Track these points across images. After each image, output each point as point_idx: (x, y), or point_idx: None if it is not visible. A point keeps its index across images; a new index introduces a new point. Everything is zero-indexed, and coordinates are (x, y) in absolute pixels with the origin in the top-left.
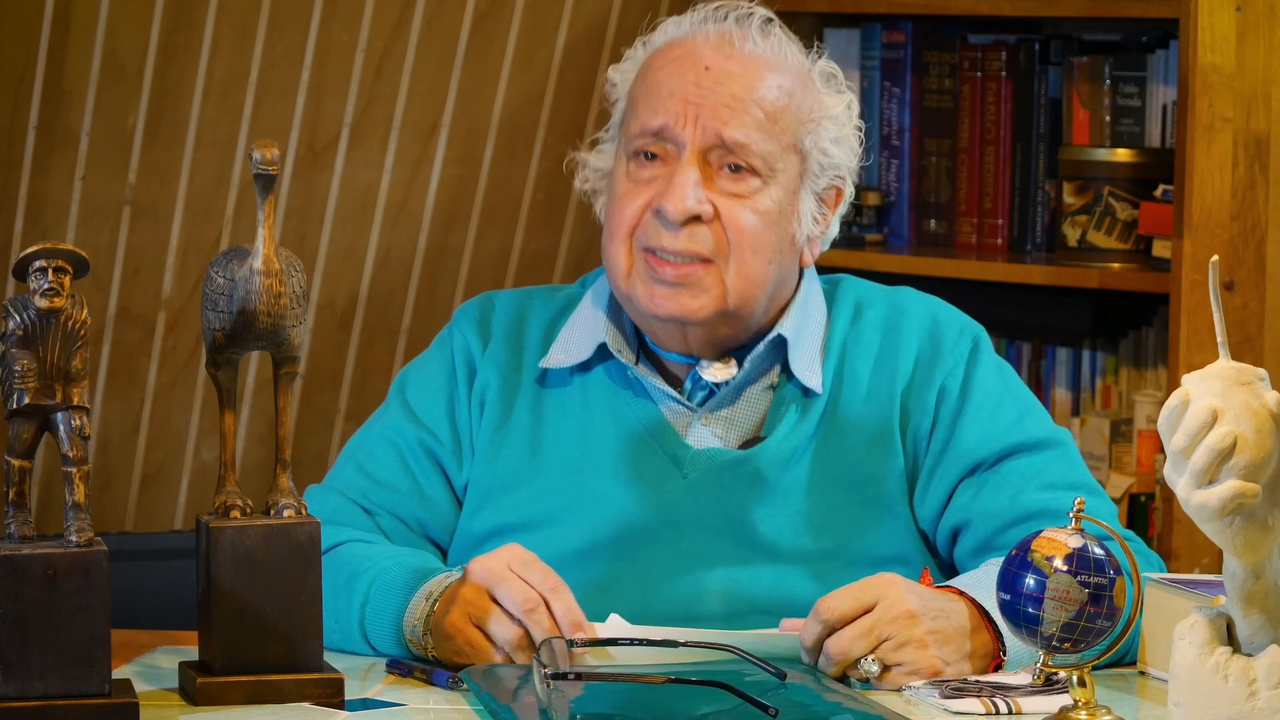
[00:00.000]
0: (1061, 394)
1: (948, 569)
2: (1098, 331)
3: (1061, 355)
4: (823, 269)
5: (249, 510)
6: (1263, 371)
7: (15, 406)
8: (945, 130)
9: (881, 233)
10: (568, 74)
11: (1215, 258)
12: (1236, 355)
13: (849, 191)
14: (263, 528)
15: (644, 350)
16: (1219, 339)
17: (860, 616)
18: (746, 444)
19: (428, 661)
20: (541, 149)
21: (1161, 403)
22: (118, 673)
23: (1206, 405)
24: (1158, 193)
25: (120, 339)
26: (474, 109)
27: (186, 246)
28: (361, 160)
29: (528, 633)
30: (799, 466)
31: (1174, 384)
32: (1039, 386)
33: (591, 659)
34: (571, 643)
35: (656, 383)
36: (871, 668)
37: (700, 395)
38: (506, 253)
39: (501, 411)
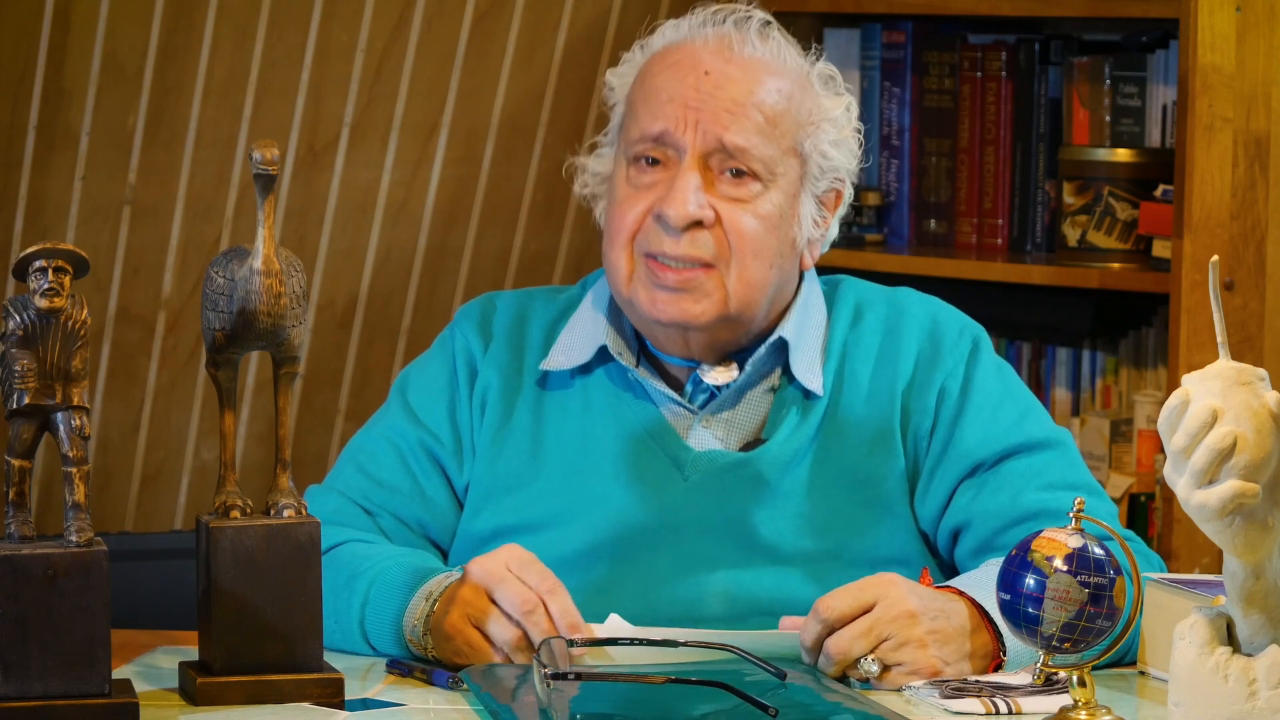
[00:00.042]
0: (1061, 394)
1: (948, 569)
2: (1098, 331)
3: (1061, 355)
4: (822, 269)
5: (249, 510)
6: (1263, 371)
7: (15, 406)
8: (945, 130)
9: (881, 233)
10: (568, 74)
11: (1215, 258)
12: (1236, 355)
13: (848, 194)
14: (263, 528)
15: (644, 353)
16: (1219, 339)
17: (860, 616)
18: (747, 446)
19: (428, 661)
20: (541, 149)
21: (1161, 403)
22: (118, 673)
23: (1206, 405)
24: (1158, 193)
25: (120, 339)
26: (474, 109)
27: (186, 246)
28: (361, 160)
29: (526, 634)
30: (800, 469)
31: (1174, 384)
32: (1039, 386)
33: (591, 659)
34: (571, 643)
35: (657, 385)
36: (871, 668)
37: (701, 398)
38: (506, 253)
39: (503, 413)
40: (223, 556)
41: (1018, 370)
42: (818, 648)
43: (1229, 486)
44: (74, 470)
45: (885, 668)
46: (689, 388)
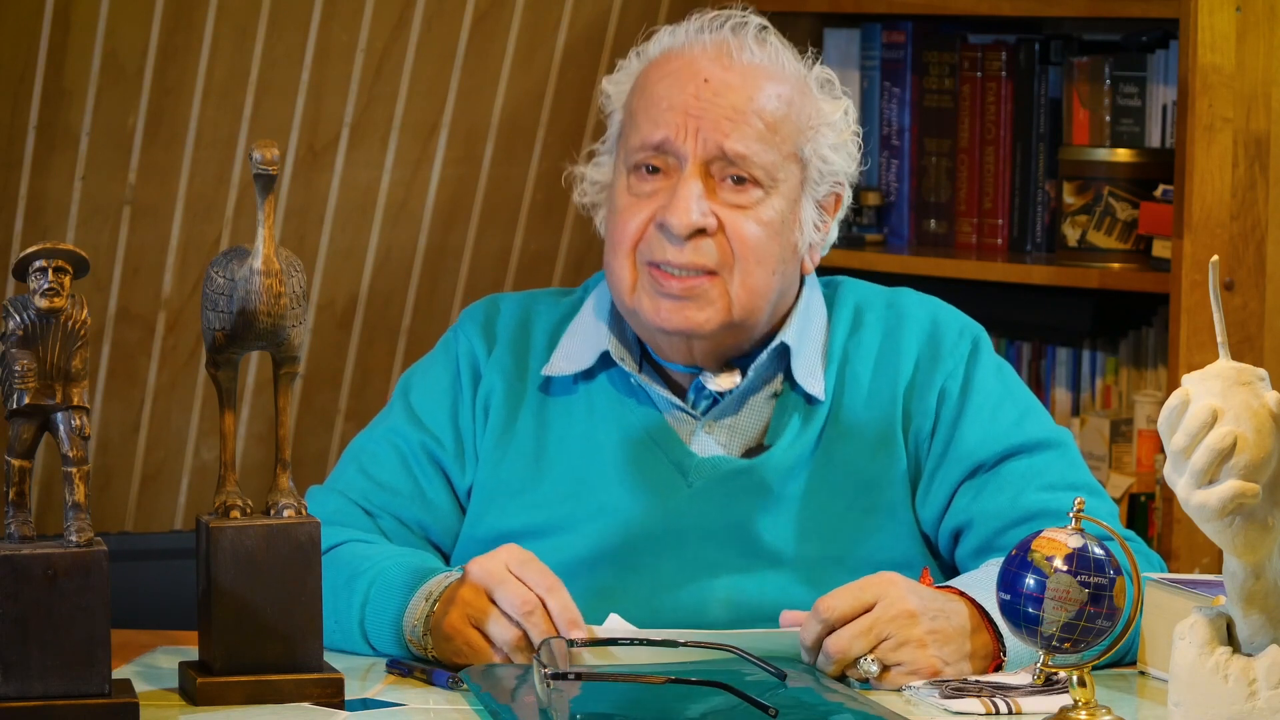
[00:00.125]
0: (1061, 394)
1: (949, 570)
2: (1098, 331)
3: (1061, 355)
4: (822, 270)
5: (249, 510)
6: (1263, 371)
7: (15, 406)
8: (945, 130)
9: (881, 233)
10: (568, 74)
11: (1215, 258)
12: (1236, 355)
13: (847, 197)
14: (263, 528)
15: (647, 358)
16: (1219, 339)
17: (860, 615)
18: (750, 452)
19: (428, 661)
20: (541, 149)
21: (1161, 403)
22: (118, 673)
23: (1206, 405)
24: (1158, 193)
25: (120, 339)
26: (474, 109)
27: (186, 246)
28: (361, 160)
29: (526, 634)
30: (803, 475)
31: (1174, 384)
32: (1039, 386)
33: (591, 659)
34: (571, 643)
35: (660, 391)
36: (871, 667)
37: (704, 404)
38: (506, 253)
39: (506, 417)
40: (223, 556)
41: (1018, 370)
42: (818, 647)
43: (1229, 486)
44: (74, 470)
45: (885, 667)
46: (691, 393)
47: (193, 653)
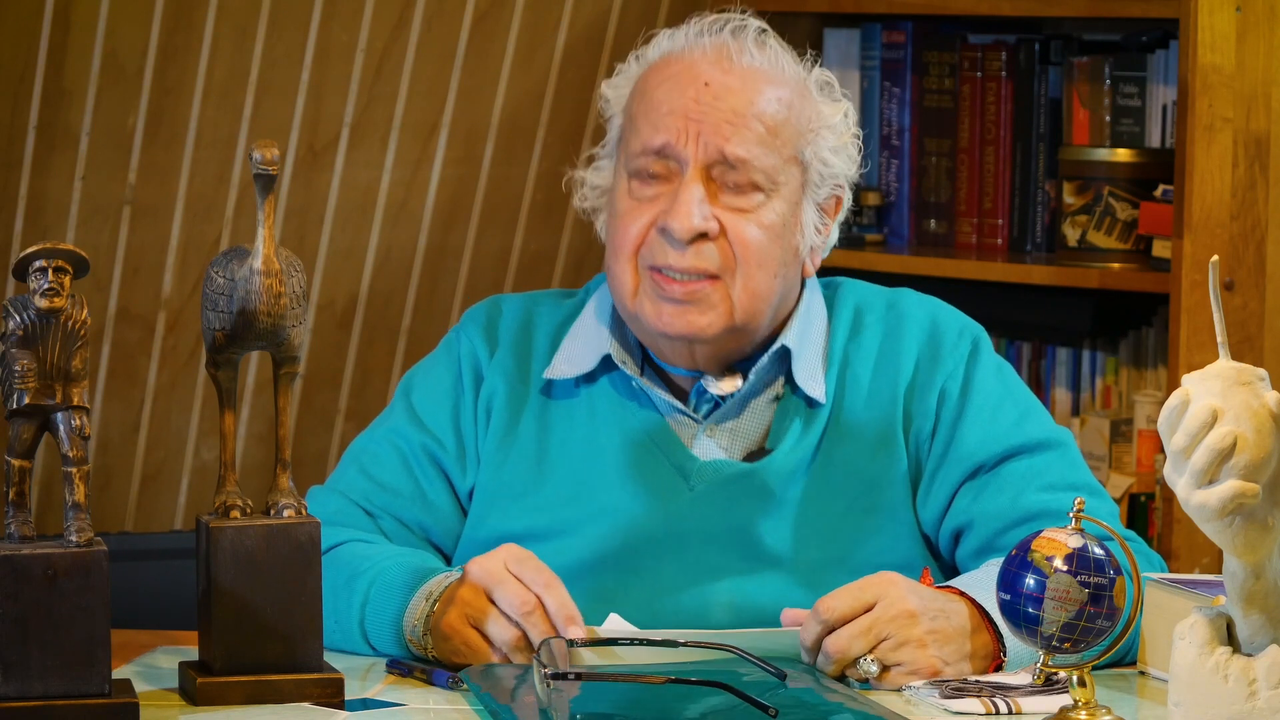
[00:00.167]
0: (1061, 394)
1: (949, 570)
2: (1098, 331)
3: (1061, 355)
4: (823, 270)
5: (249, 510)
6: (1263, 371)
7: (15, 406)
8: (945, 130)
9: (881, 233)
10: (568, 74)
11: (1215, 258)
12: (1236, 355)
13: (847, 199)
14: (263, 528)
15: (648, 361)
16: (1219, 339)
17: (860, 615)
18: (751, 455)
19: (428, 661)
20: (541, 149)
21: (1161, 403)
22: (118, 673)
23: (1206, 405)
24: (1158, 193)
25: (120, 339)
26: (474, 109)
27: (186, 246)
28: (361, 160)
29: (525, 634)
30: (805, 478)
31: (1174, 384)
32: (1039, 386)
33: (591, 659)
34: (571, 642)
35: (662, 394)
36: (870, 667)
37: (705, 407)
38: (506, 253)
39: (508, 420)
40: (223, 556)
41: (1018, 370)
42: (817, 647)
43: (1229, 486)
44: (74, 470)
45: (885, 667)
46: (693, 397)
47: (193, 653)
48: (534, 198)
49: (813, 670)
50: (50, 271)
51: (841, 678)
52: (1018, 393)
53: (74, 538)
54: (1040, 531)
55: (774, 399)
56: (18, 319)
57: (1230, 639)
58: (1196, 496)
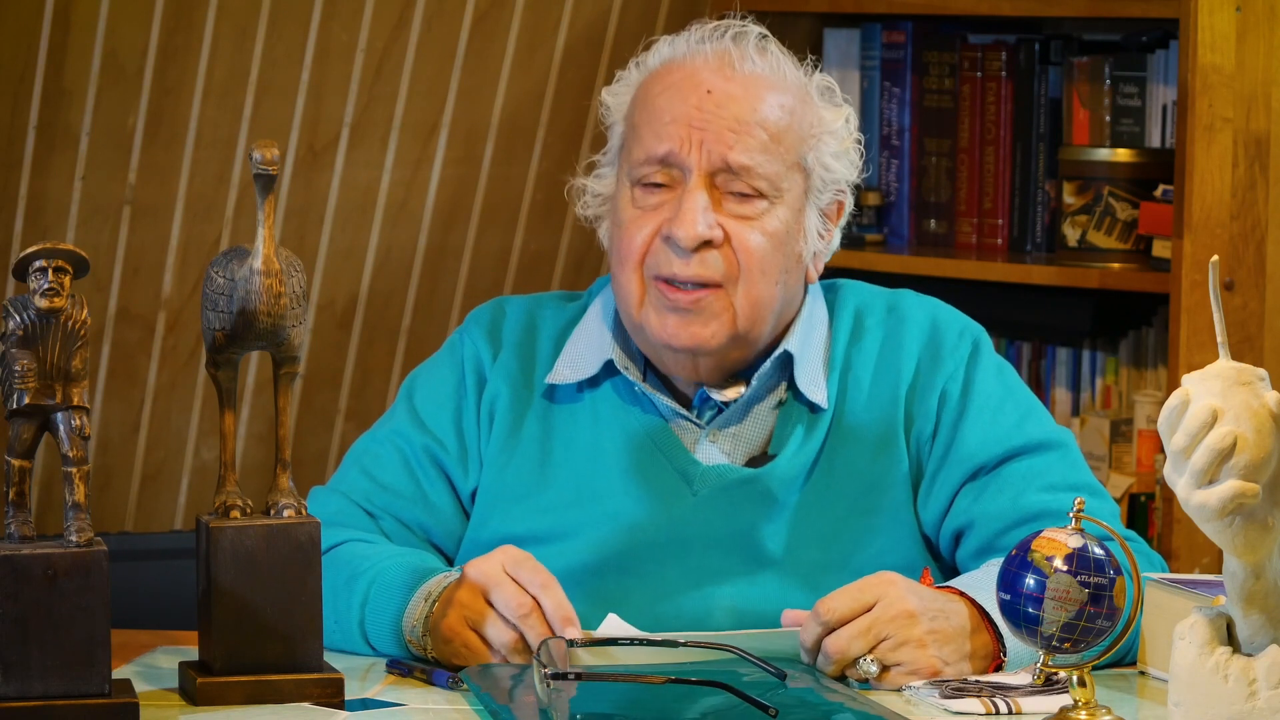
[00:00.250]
0: (1061, 394)
1: (950, 571)
2: (1098, 331)
3: (1061, 355)
4: (823, 270)
5: (249, 510)
6: (1263, 371)
7: (15, 406)
8: (945, 130)
9: (881, 233)
10: (568, 74)
11: (1215, 258)
12: (1236, 355)
13: (849, 204)
14: (263, 528)
15: (650, 365)
16: (1219, 339)
17: (860, 616)
18: (754, 461)
19: (428, 661)
20: (541, 149)
21: (1161, 403)
22: (118, 673)
23: (1206, 405)
24: (1158, 193)
25: (120, 339)
26: (474, 109)
27: (186, 246)
28: (361, 160)
29: (523, 636)
30: (808, 484)
31: (1174, 384)
32: (1039, 386)
33: (591, 659)
34: (571, 643)
35: (664, 399)
36: (870, 668)
37: (709, 412)
38: (506, 253)
39: (511, 423)
40: (223, 556)
41: (1018, 370)
42: (817, 648)
43: (1229, 486)
44: (74, 470)
45: (884, 668)
46: (696, 402)
47: (193, 653)
48: (534, 198)
49: (813, 670)
50: (50, 271)
51: (841, 678)
52: (1018, 393)
53: (74, 538)
54: (1040, 531)
55: (776, 404)
56: (18, 319)
57: (1230, 639)
58: (1196, 496)
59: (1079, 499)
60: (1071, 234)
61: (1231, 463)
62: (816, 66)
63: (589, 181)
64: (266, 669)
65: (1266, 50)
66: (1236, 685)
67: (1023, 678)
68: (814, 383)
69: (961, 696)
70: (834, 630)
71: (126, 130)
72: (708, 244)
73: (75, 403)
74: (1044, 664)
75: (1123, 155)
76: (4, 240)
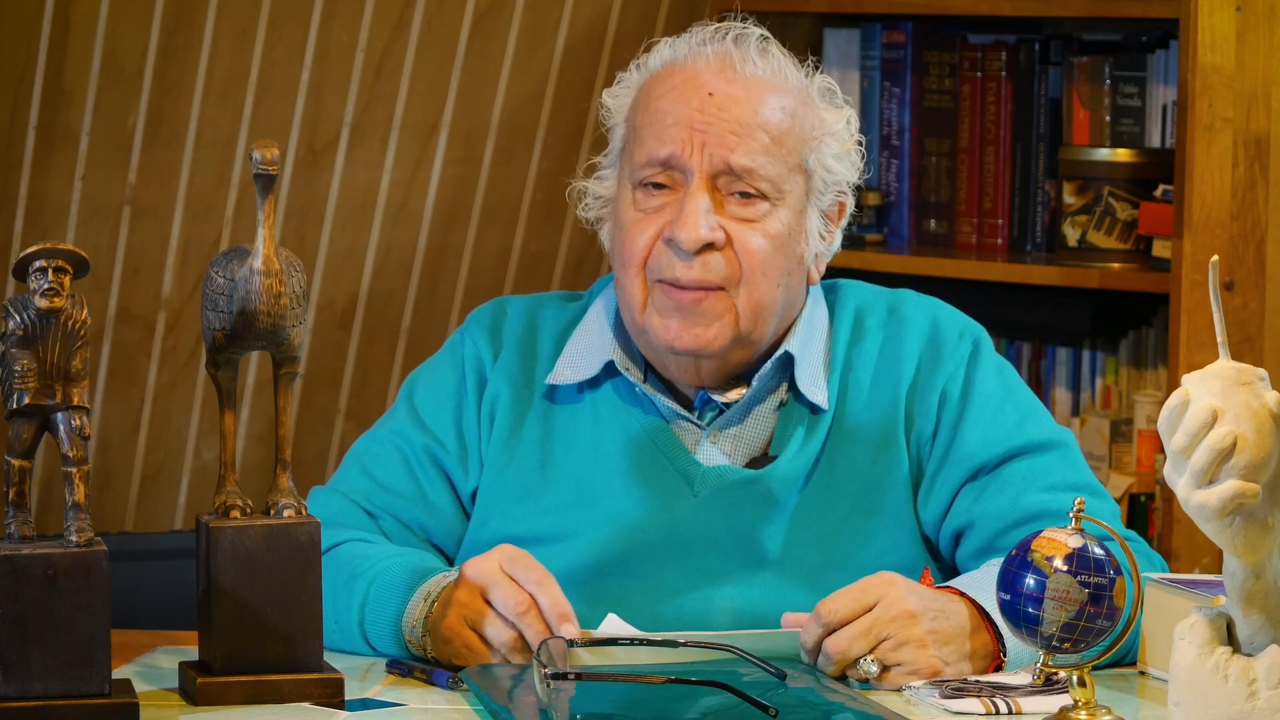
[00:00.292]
0: (1061, 394)
1: (950, 571)
2: (1098, 331)
3: (1061, 355)
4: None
5: (249, 510)
6: (1263, 371)
7: (15, 406)
8: (945, 130)
9: (881, 233)
10: (568, 74)
11: (1215, 258)
12: (1236, 355)
13: (850, 205)
14: (263, 528)
15: (651, 366)
16: (1219, 339)
17: (860, 617)
18: (755, 462)
19: (427, 661)
20: (541, 149)
21: (1161, 403)
22: (118, 673)
23: (1206, 405)
24: (1158, 193)
25: (120, 339)
26: (474, 109)
27: (186, 246)
28: (361, 160)
29: (522, 635)
30: (808, 485)
31: (1174, 384)
32: (1039, 386)
33: (591, 659)
34: (571, 642)
35: (665, 400)
36: (871, 668)
37: (709, 413)
38: (506, 253)
39: (512, 423)
40: (223, 556)
41: (1018, 370)
42: (818, 649)
43: (1229, 486)
44: (74, 470)
45: (885, 668)
46: (697, 403)
47: (193, 653)
48: (534, 198)
49: (813, 670)
50: (50, 271)
51: (842, 678)
52: (1019, 393)
53: (74, 538)
54: (1040, 531)
55: (777, 405)
56: (18, 319)
57: (1230, 639)
58: (1196, 496)
59: (1079, 499)
60: (1071, 234)
61: (1231, 463)
62: (817, 68)
63: (590, 184)
64: (266, 669)
65: (1266, 50)
66: (1236, 685)
67: (1023, 678)
68: (814, 384)
69: (961, 696)
70: (835, 631)
71: (126, 130)
72: (710, 246)
73: (75, 403)
74: (1044, 664)
75: (1123, 155)
76: (4, 240)
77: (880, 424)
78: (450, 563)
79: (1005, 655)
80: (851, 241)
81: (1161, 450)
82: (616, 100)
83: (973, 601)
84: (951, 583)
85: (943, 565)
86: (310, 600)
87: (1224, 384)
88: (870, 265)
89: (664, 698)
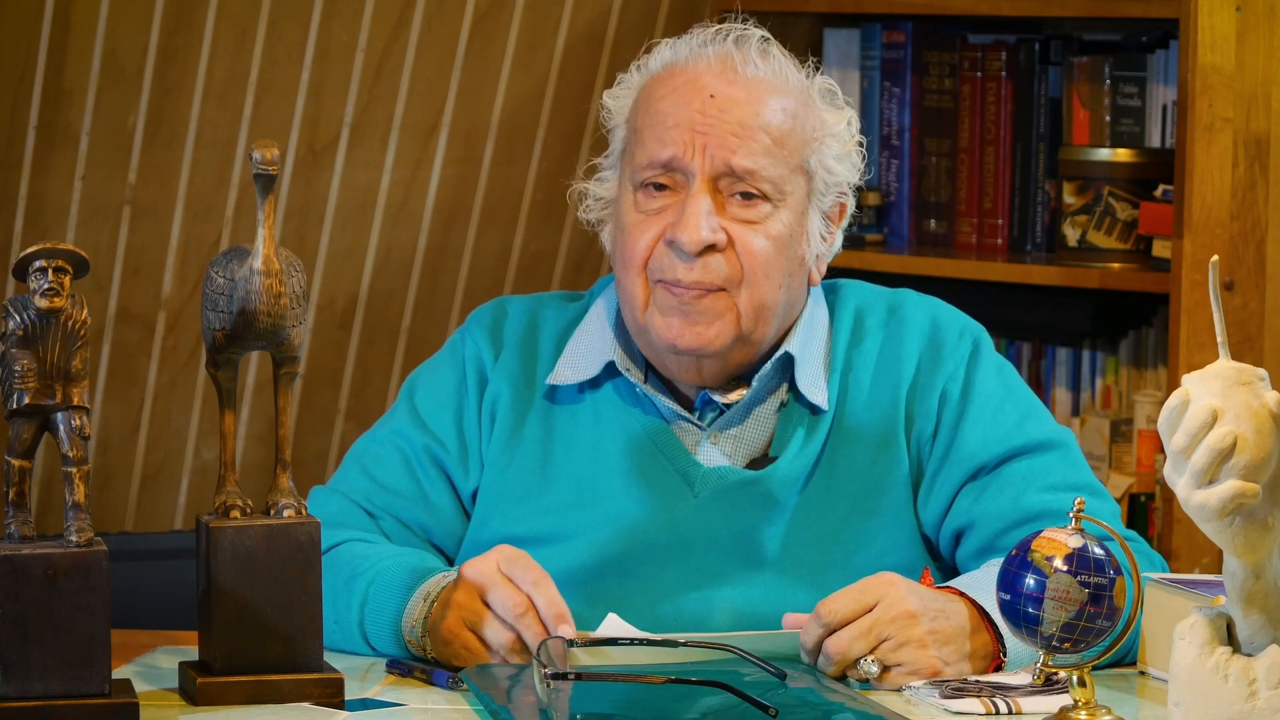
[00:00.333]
0: (1061, 394)
1: (950, 571)
2: (1098, 331)
3: (1061, 355)
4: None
5: (249, 510)
6: (1263, 371)
7: (15, 406)
8: (945, 130)
9: (881, 233)
10: (568, 74)
11: (1215, 258)
12: (1236, 355)
13: (851, 206)
14: (263, 528)
15: (651, 367)
16: (1219, 339)
17: (861, 617)
18: (755, 463)
19: (427, 661)
20: (541, 149)
21: (1161, 403)
22: (118, 673)
23: (1206, 405)
24: (1158, 193)
25: (120, 339)
26: (474, 109)
27: (186, 246)
28: (361, 160)
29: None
30: (808, 486)
31: (1174, 384)
32: (1039, 386)
33: (590, 659)
34: (571, 642)
35: (666, 401)
36: (871, 668)
37: (710, 414)
38: (506, 253)
39: (513, 424)
40: (223, 556)
41: (1018, 370)
42: (818, 649)
43: (1229, 486)
44: (74, 470)
45: (885, 668)
46: (697, 403)
47: (193, 653)
48: (534, 198)
49: (813, 670)
50: (50, 271)
51: (842, 678)
52: (1019, 393)
53: (74, 538)
54: (1040, 531)
55: (778, 406)
56: (18, 319)
57: (1230, 639)
58: (1196, 496)
59: (1079, 499)
60: (1071, 234)
61: (1231, 463)
62: (817, 69)
63: (590, 185)
64: (266, 669)
65: (1266, 50)
66: (1236, 685)
67: (1023, 678)
68: (814, 384)
69: (961, 696)
70: (835, 631)
71: (126, 130)
72: (711, 248)
73: (75, 403)
74: (1044, 664)
75: (1123, 155)
76: (4, 240)
77: (880, 424)
78: (451, 563)
79: (1005, 655)
80: (852, 241)
81: (1161, 450)
82: (617, 101)
83: (973, 601)
84: (951, 583)
85: (943, 565)
86: (310, 600)
87: (1224, 384)
88: (870, 265)
89: (664, 698)
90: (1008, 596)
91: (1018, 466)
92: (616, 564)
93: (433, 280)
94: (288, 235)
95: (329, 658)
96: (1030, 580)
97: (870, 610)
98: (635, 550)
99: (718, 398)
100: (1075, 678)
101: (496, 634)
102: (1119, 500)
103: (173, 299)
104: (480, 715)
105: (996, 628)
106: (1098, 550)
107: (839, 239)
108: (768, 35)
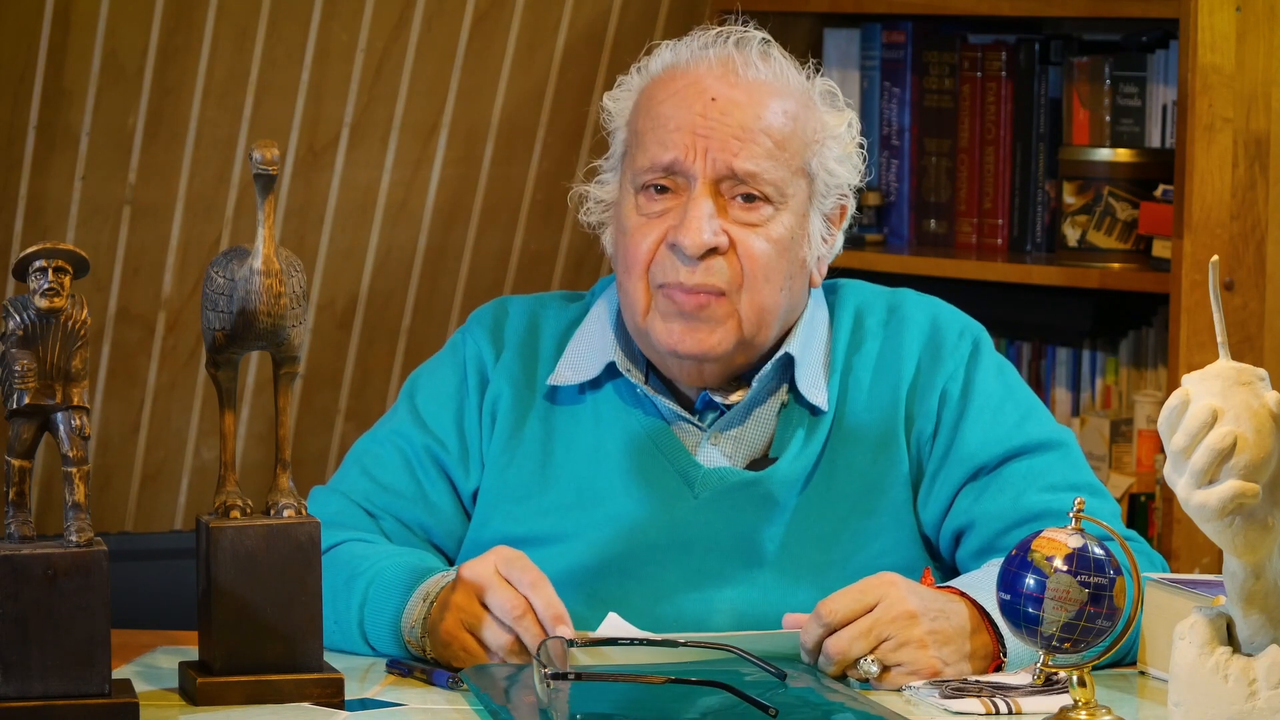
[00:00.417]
0: (1061, 394)
1: (950, 571)
2: (1098, 331)
3: (1061, 355)
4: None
5: (249, 510)
6: (1263, 371)
7: (15, 406)
8: (945, 130)
9: (881, 233)
10: (568, 74)
11: (1215, 258)
12: (1236, 355)
13: (852, 207)
14: (263, 528)
15: (652, 368)
16: (1219, 339)
17: (861, 617)
18: (755, 464)
19: (427, 661)
20: (541, 149)
21: (1161, 403)
22: (118, 673)
23: (1206, 405)
24: (1158, 193)
25: (120, 339)
26: (474, 109)
27: (186, 246)
28: (361, 160)
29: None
30: (809, 487)
31: (1174, 384)
32: (1039, 386)
33: (590, 659)
34: (571, 642)
35: (666, 401)
36: (871, 668)
37: (710, 415)
38: (506, 253)
39: (513, 424)
40: (223, 556)
41: (1018, 370)
42: (818, 649)
43: (1229, 486)
44: (74, 470)
45: (885, 668)
46: (698, 404)
47: (193, 653)
48: (534, 198)
49: (813, 670)
50: (50, 271)
51: (842, 678)
52: (1019, 393)
53: (74, 538)
54: (1040, 531)
55: (778, 407)
56: (18, 319)
57: (1230, 639)
58: (1196, 496)
59: (1079, 499)
60: (1071, 234)
61: (1231, 463)
62: (818, 70)
63: (591, 188)
64: (266, 669)
65: (1266, 50)
66: (1236, 685)
67: (1023, 678)
68: (815, 385)
69: (961, 696)
70: (835, 631)
71: (126, 130)
72: (713, 251)
73: (75, 403)
74: (1044, 664)
75: (1123, 155)
76: (4, 240)
77: (880, 424)
78: (451, 563)
79: (1005, 655)
80: (852, 242)
81: (1161, 450)
82: (617, 104)
83: (973, 601)
84: (951, 583)
85: (943, 565)
86: (310, 600)
87: (1224, 384)
88: (870, 265)
89: (664, 698)
90: (1008, 596)
91: (1018, 466)
92: (617, 564)
93: (433, 280)
94: (288, 235)
95: (329, 658)
96: (1030, 580)
97: (870, 610)
98: (635, 551)
99: (718, 398)
100: (1075, 678)
101: (495, 636)
102: (1119, 500)
103: (173, 299)
104: (480, 715)
105: (997, 628)
106: (1098, 550)
107: (840, 240)
108: (768, 37)
